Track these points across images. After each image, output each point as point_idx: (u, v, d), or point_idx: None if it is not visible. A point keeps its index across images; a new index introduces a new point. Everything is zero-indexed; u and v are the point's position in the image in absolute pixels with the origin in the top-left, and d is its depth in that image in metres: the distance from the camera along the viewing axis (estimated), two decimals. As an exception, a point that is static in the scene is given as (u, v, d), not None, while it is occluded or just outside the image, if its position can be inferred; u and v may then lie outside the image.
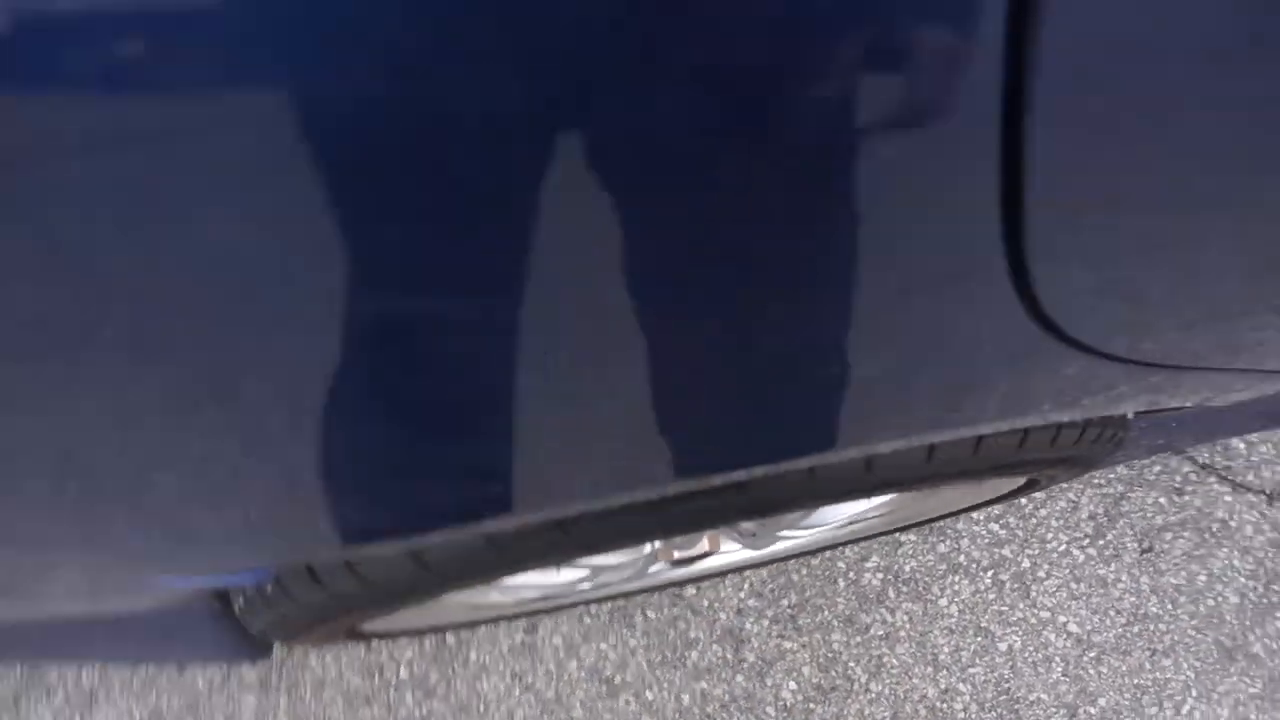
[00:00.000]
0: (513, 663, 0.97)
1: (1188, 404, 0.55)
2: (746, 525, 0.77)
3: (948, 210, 0.33)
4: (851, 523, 0.88)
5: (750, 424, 0.41)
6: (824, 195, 0.31)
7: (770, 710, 0.97)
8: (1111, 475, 1.08)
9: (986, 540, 1.04)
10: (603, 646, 0.99)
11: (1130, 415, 0.60)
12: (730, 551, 0.87)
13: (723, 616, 1.01)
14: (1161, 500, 1.07)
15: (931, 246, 0.34)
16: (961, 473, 0.56)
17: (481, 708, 0.96)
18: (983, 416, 0.45)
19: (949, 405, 0.43)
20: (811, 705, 0.98)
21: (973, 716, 0.98)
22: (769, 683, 0.98)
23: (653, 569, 0.85)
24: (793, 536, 0.87)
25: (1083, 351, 0.40)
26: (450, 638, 0.97)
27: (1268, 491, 1.09)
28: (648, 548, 0.71)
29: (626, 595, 0.96)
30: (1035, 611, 1.02)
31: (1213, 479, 1.09)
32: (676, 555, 0.77)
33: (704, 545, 0.79)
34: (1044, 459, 0.59)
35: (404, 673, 0.96)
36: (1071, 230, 0.35)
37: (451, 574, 0.53)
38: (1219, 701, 0.99)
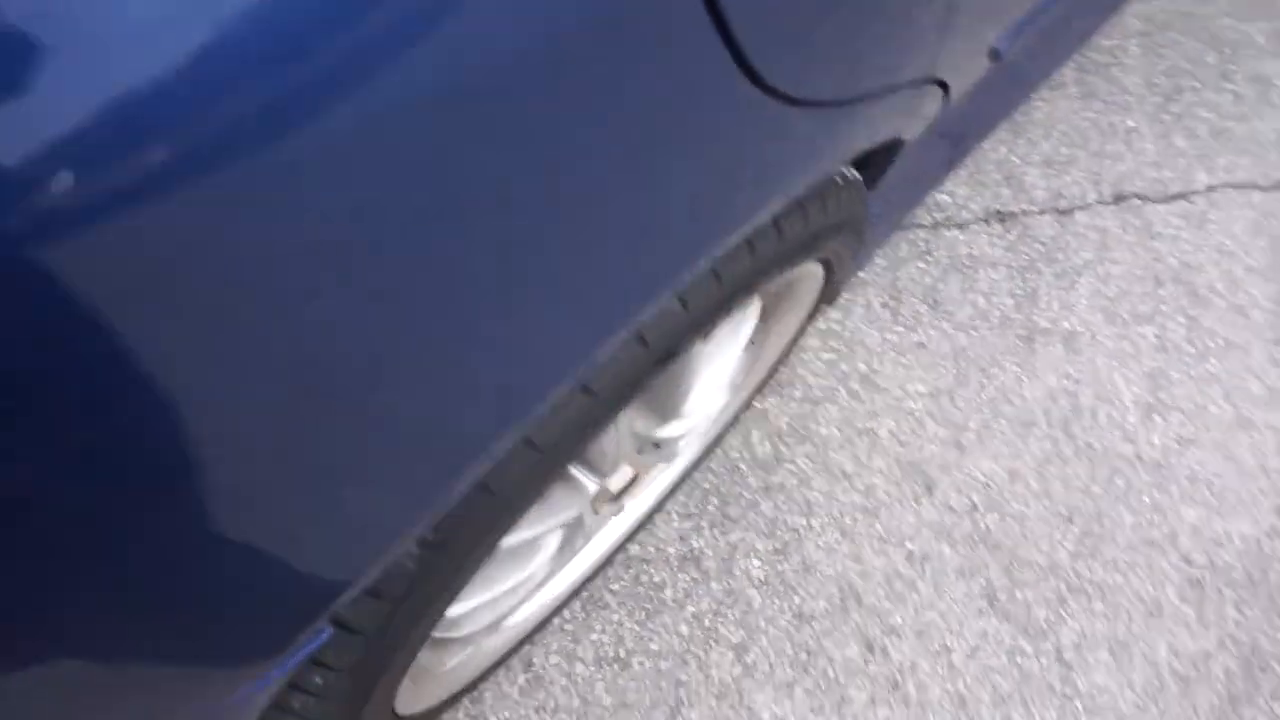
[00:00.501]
0: (528, 700, 1.01)
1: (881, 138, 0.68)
2: (650, 436, 0.85)
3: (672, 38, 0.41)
4: (720, 414, 0.99)
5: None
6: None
7: (751, 592, 1.07)
8: (878, 270, 1.27)
9: (824, 368, 1.20)
10: (594, 637, 1.05)
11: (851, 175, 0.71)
12: (656, 477, 0.95)
13: (671, 550, 1.09)
14: (921, 265, 1.28)
15: (664, 73, 0.42)
16: (750, 277, 0.63)
17: (527, 752, 0.98)
18: (747, 206, 0.54)
19: (720, 204, 0.52)
20: (780, 567, 1.09)
21: (895, 494, 1.13)
22: (737, 572, 1.08)
23: (600, 526, 0.92)
24: (688, 441, 0.97)
25: (802, 105, 0.50)
26: (461, 713, 0.99)
27: (984, 217, 1.33)
28: (593, 487, 0.77)
29: (588, 580, 1.02)
30: (889, 395, 1.19)
31: (942, 230, 1.31)
32: (614, 487, 0.83)
33: (629, 473, 0.86)
34: (815, 231, 0.68)
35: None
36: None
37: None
38: (1040, 373, 1.21)
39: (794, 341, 0.99)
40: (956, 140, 0.96)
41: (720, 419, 1.00)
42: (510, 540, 0.66)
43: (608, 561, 1.03)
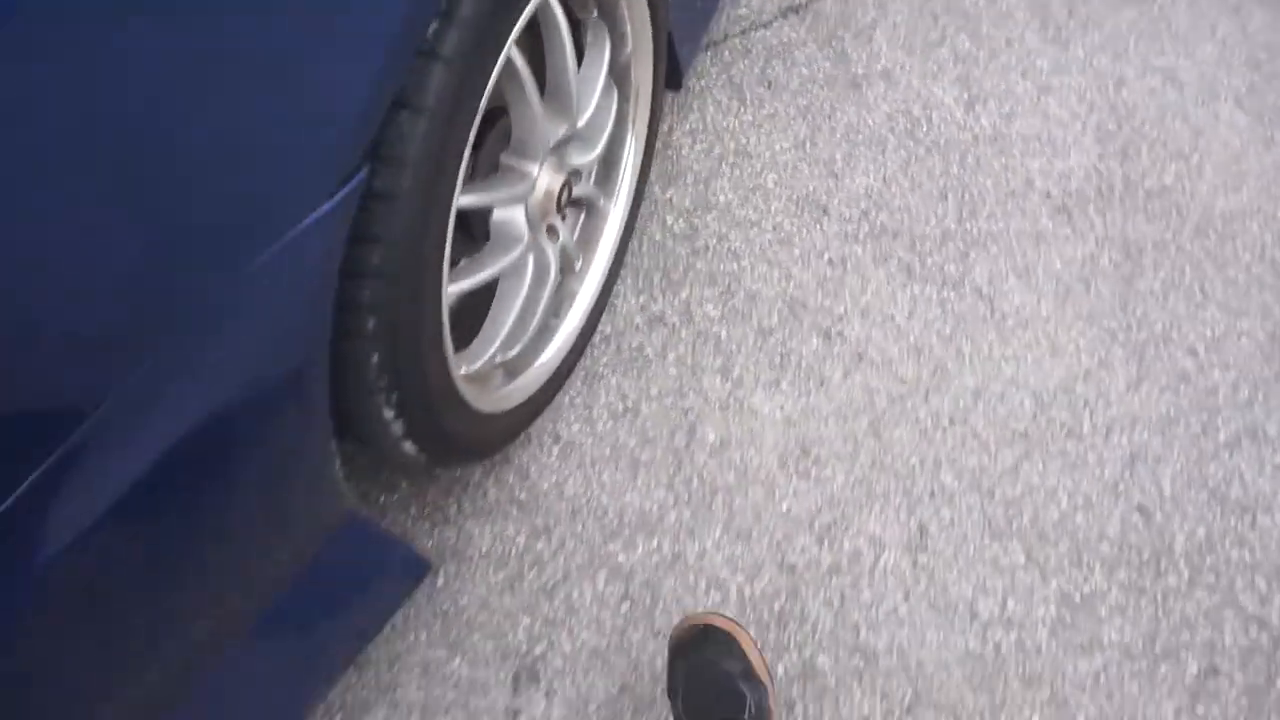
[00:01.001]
0: (567, 463, 1.13)
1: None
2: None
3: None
4: (623, 158, 1.15)
5: None
6: None
7: (716, 329, 1.24)
8: (713, 77, 1.50)
9: (702, 154, 1.41)
10: (602, 400, 1.18)
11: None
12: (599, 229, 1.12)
13: (637, 319, 1.25)
14: (746, 63, 1.51)
15: None
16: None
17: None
18: None
19: None
20: (731, 303, 1.26)
21: (799, 224, 1.33)
22: (698, 317, 1.25)
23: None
24: (601, 175, 1.12)
25: None
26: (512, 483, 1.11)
27: (780, 14, 1.59)
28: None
29: (579, 350, 1.16)
30: (762, 157, 1.40)
31: (751, 34, 1.56)
32: (551, 190, 0.96)
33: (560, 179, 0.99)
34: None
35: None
36: None
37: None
38: (874, 105, 1.45)
39: (658, 101, 1.17)
40: None
41: (626, 169, 1.15)
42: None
43: (590, 330, 1.18)
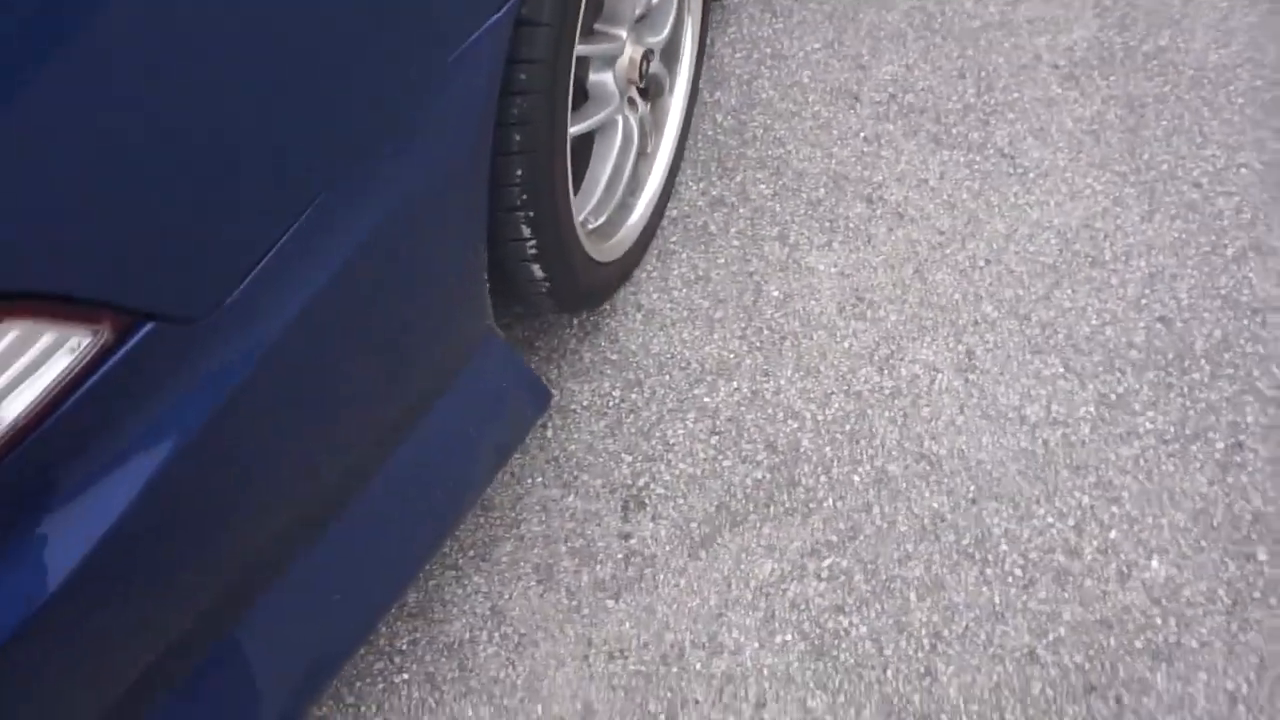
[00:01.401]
0: (649, 326, 1.29)
1: None
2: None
3: None
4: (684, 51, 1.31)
5: None
6: None
7: (770, 203, 1.40)
8: (736, 4, 1.65)
9: (742, 60, 1.56)
10: (675, 273, 1.34)
11: None
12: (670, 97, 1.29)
13: (700, 202, 1.41)
14: None
15: None
16: None
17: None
18: None
19: None
20: (780, 181, 1.42)
21: (835, 110, 1.48)
22: (753, 196, 1.41)
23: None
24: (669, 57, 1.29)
25: None
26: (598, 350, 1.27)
27: None
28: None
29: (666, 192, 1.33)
30: (796, 57, 1.56)
31: None
32: (635, 60, 1.14)
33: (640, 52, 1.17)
34: None
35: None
36: None
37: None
38: (891, 5, 1.61)
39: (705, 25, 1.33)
40: None
41: (685, 59, 1.31)
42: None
43: (661, 210, 1.34)
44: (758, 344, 1.29)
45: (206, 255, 0.59)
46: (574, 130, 0.98)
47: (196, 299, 0.58)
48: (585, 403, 1.27)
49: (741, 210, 1.40)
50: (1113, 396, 1.23)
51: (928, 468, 1.19)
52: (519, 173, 0.87)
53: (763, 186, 1.43)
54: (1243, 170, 1.40)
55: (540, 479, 1.21)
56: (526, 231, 0.93)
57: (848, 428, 1.23)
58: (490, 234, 0.89)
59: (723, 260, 1.36)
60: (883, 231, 1.38)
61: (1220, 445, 1.19)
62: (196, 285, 0.58)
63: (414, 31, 0.69)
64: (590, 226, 1.16)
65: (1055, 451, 1.20)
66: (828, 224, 1.39)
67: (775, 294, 1.33)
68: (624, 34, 1.06)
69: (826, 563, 1.14)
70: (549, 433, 1.25)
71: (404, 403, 0.89)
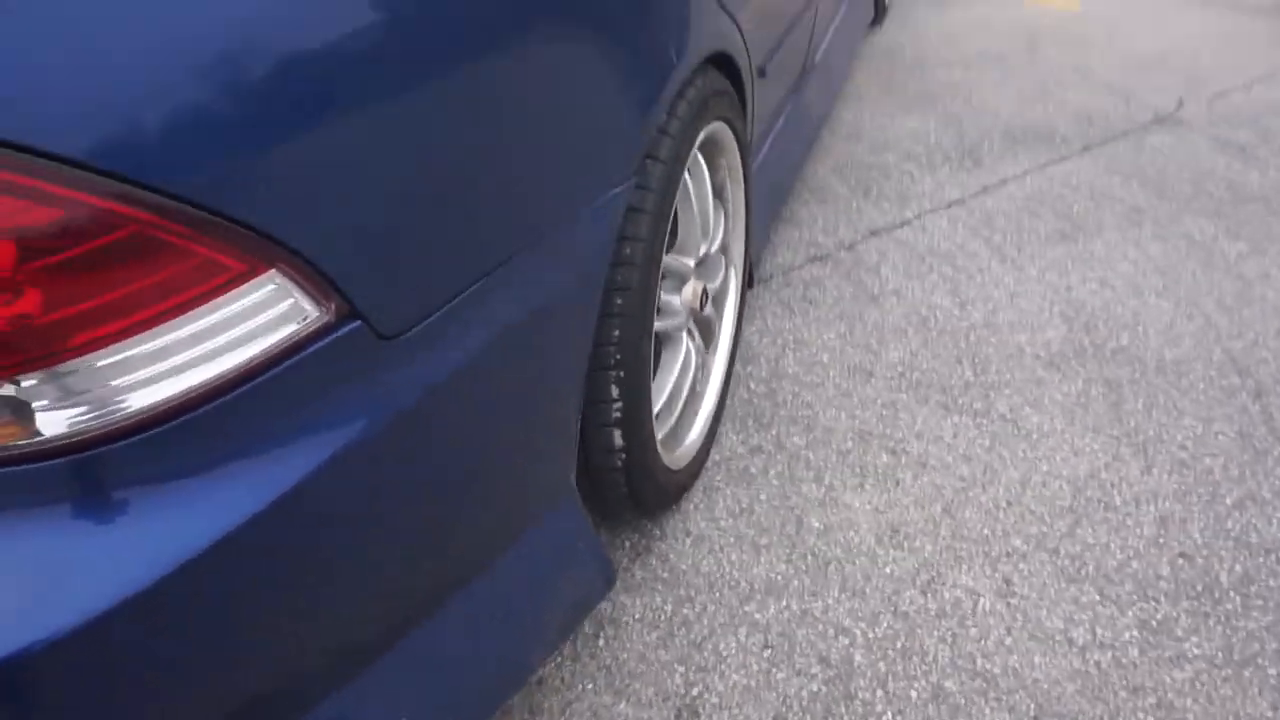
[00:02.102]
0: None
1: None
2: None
3: None
4: (728, 255, 1.56)
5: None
6: None
7: (808, 454, 1.53)
8: (766, 302, 1.95)
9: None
10: (727, 500, 1.43)
11: None
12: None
13: (740, 449, 1.54)
14: (788, 291, 1.97)
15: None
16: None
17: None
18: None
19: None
20: (814, 437, 1.57)
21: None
22: (786, 445, 1.55)
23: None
24: (718, 271, 1.51)
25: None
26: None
27: (808, 260, 2.08)
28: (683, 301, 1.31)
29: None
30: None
31: (790, 273, 2.04)
32: (693, 300, 1.34)
33: (699, 287, 1.37)
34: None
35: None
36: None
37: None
38: (890, 310, 1.89)
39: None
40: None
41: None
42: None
43: (709, 442, 1.47)
44: (803, 567, 1.34)
45: (422, 276, 0.72)
46: (656, 326, 1.16)
47: (398, 314, 0.70)
48: (637, 615, 1.28)
49: (778, 456, 1.53)
50: (1153, 623, 1.27)
51: (984, 685, 1.19)
52: (616, 333, 1.02)
53: (796, 439, 1.57)
54: (1220, 437, 1.57)
55: (591, 685, 1.19)
56: (615, 393, 1.05)
57: (899, 644, 1.24)
58: (585, 388, 1.02)
59: (764, 496, 1.46)
60: (909, 478, 1.50)
61: (1273, 671, 1.21)
62: (404, 302, 0.70)
63: (576, 175, 0.90)
64: (658, 435, 1.28)
65: (1109, 673, 1.20)
66: (858, 470, 1.51)
67: (816, 525, 1.41)
68: (691, 264, 1.29)
69: (896, 778, 1.09)
70: (600, 642, 1.25)
71: (494, 517, 0.93)
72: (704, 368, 1.45)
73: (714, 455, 1.54)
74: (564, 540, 1.06)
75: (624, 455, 1.12)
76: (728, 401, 1.63)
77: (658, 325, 1.21)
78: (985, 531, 1.40)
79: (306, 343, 0.64)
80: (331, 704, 0.78)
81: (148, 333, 0.57)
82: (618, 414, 1.08)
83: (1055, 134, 2.65)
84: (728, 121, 1.28)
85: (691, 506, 1.45)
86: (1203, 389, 1.68)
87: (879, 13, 3.40)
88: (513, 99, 0.78)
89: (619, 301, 1.02)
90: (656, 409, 1.24)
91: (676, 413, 1.33)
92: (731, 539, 1.39)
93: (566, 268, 0.91)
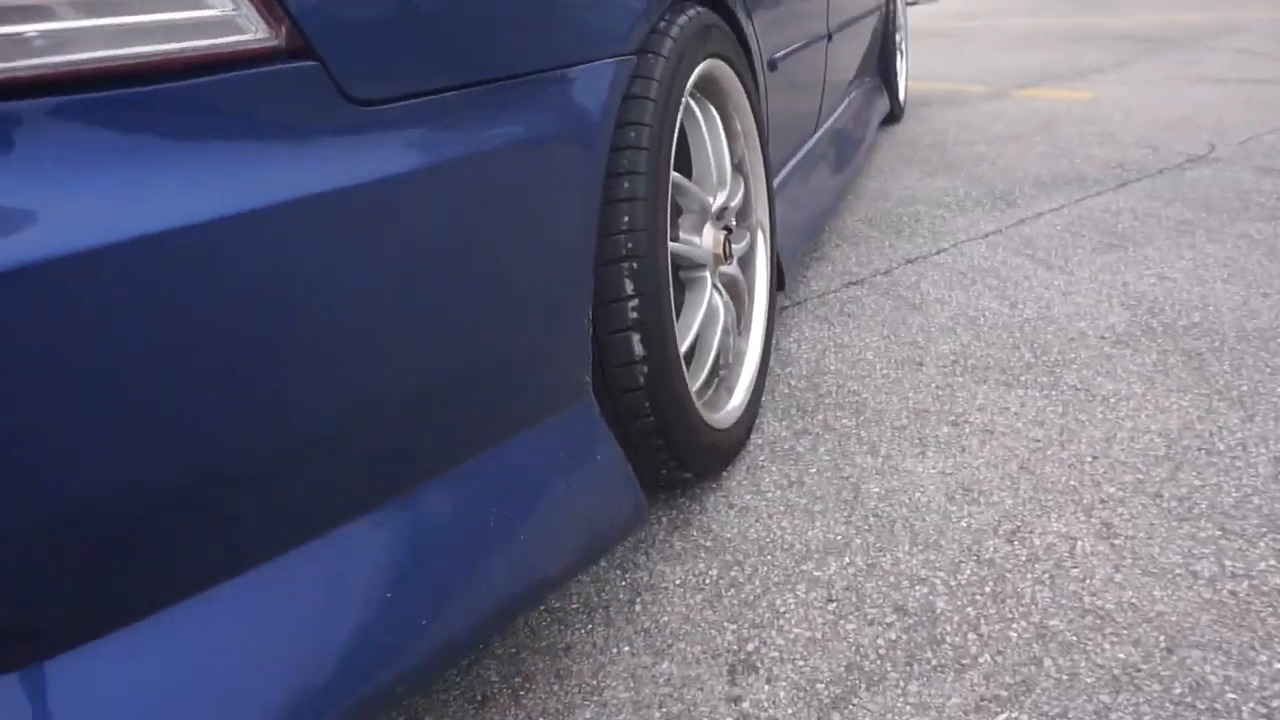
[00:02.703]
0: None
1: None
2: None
3: None
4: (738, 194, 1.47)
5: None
6: None
7: (860, 432, 1.39)
8: (803, 320, 1.85)
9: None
10: (773, 476, 1.29)
11: None
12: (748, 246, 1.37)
13: (784, 433, 1.41)
14: (824, 310, 1.88)
15: None
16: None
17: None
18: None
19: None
20: (864, 418, 1.43)
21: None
22: (835, 426, 1.41)
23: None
24: (741, 215, 1.42)
25: None
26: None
27: (844, 284, 2.00)
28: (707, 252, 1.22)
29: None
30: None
31: (825, 296, 1.95)
32: (716, 248, 1.25)
33: (721, 237, 1.29)
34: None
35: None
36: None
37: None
38: (935, 315, 1.78)
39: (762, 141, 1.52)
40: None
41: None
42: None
43: (757, 394, 1.34)
44: (865, 528, 1.17)
45: (410, 50, 0.68)
46: (673, 247, 1.08)
47: (373, 78, 0.65)
48: (678, 581, 1.12)
49: (826, 437, 1.39)
50: (1292, 551, 1.06)
51: (1098, 620, 0.99)
52: (625, 219, 0.95)
53: (845, 420, 1.43)
54: (1326, 382, 1.39)
55: (628, 648, 1.02)
56: (630, 287, 0.96)
57: (987, 589, 1.05)
58: (595, 292, 0.94)
59: (815, 470, 1.31)
60: (975, 444, 1.34)
61: None
62: (384, 67, 0.66)
63: (576, 22, 0.88)
64: (692, 386, 1.17)
65: (1249, 601, 1.00)
66: (917, 441, 1.36)
67: (875, 490, 1.25)
68: (709, 200, 1.23)
69: (1000, 719, 0.88)
70: (637, 607, 1.08)
71: (485, 379, 0.81)
72: (742, 325, 1.36)
73: (755, 439, 1.40)
74: (581, 445, 0.94)
75: (646, 370, 1.01)
76: (764, 393, 1.51)
77: (677, 250, 1.14)
78: (1072, 483, 1.22)
79: (241, 62, 0.59)
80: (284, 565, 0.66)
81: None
82: (634, 314, 0.99)
83: (1087, 179, 2.61)
84: (730, 63, 1.27)
85: (734, 483, 1.30)
86: (1295, 350, 1.52)
87: (895, 111, 3.51)
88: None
89: (625, 185, 0.96)
90: (684, 346, 1.14)
91: (708, 365, 1.23)
92: (781, 508, 1.23)
93: (568, 116, 0.86)
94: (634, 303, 0.98)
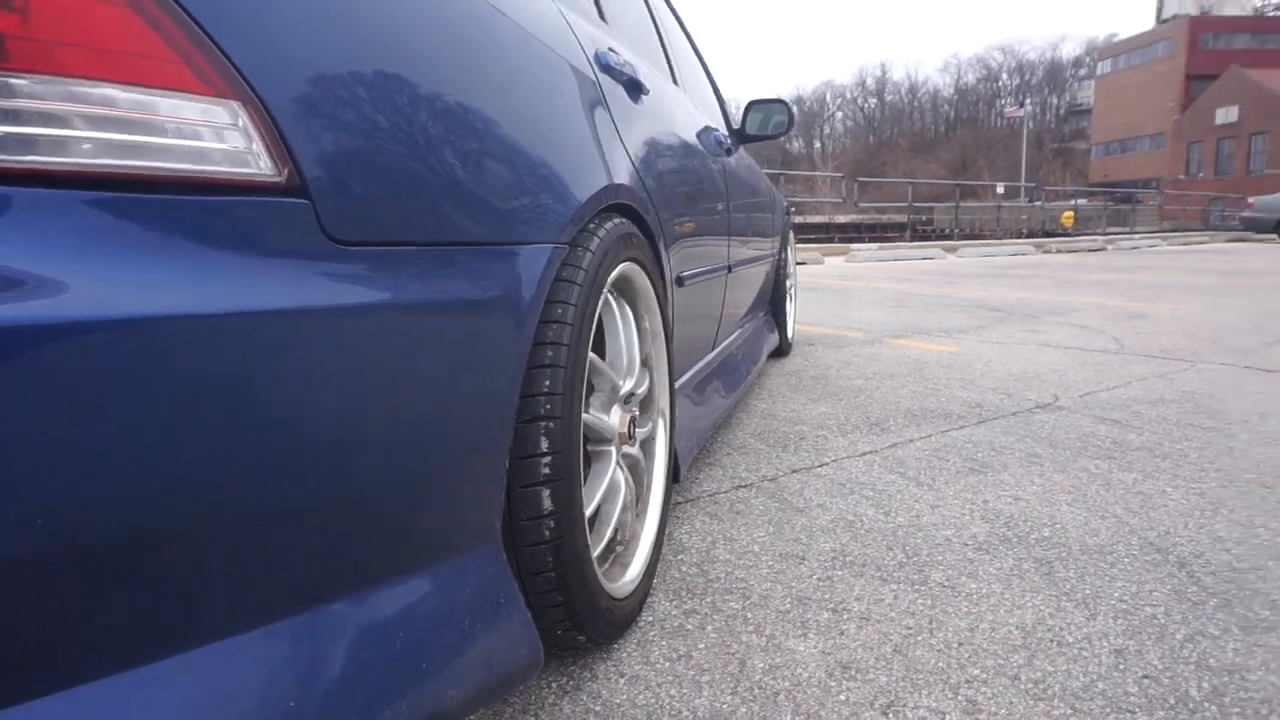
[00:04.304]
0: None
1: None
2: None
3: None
4: (648, 387, 1.56)
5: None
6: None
7: (746, 614, 1.45)
8: (694, 516, 1.94)
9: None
10: (663, 651, 1.32)
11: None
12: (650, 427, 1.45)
13: (674, 611, 1.46)
14: (714, 508, 1.98)
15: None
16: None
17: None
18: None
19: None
20: (750, 603, 1.49)
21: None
22: (722, 609, 1.47)
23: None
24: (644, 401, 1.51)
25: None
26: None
27: (733, 487, 2.11)
28: (611, 429, 1.33)
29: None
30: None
31: (717, 496, 2.06)
32: (620, 427, 1.35)
33: (626, 418, 1.39)
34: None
35: None
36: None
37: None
38: (816, 518, 1.90)
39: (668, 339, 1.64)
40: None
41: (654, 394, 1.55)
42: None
43: (652, 567, 1.39)
44: (750, 698, 1.22)
45: (390, 204, 0.81)
46: (585, 416, 1.19)
47: (352, 222, 0.77)
48: (567, 744, 1.12)
49: (714, 617, 1.45)
50: (1133, 730, 1.16)
51: (965, 789, 1.04)
52: (546, 384, 1.06)
53: (733, 603, 1.50)
54: (1154, 593, 1.56)
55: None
56: (544, 445, 1.06)
57: (865, 758, 1.09)
58: (513, 447, 1.03)
59: (703, 645, 1.36)
60: (853, 628, 1.42)
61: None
62: (362, 214, 0.78)
63: (529, 199, 1.03)
64: (593, 550, 1.24)
65: (1098, 773, 1.07)
66: (800, 624, 1.43)
67: (760, 665, 1.30)
68: (618, 381, 1.35)
69: None
70: (526, 768, 1.07)
71: (403, 505, 0.86)
72: (639, 506, 1.44)
73: (646, 616, 1.45)
74: (489, 585, 0.98)
75: (552, 525, 1.08)
76: (655, 576, 1.58)
77: (588, 421, 1.25)
78: (940, 665, 1.31)
79: (248, 190, 0.70)
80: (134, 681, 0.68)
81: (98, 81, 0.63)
82: (547, 470, 1.07)
83: (951, 414, 2.90)
84: (644, 269, 1.46)
85: (625, 654, 1.33)
86: (1128, 563, 1.70)
87: (783, 346, 3.85)
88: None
89: (549, 354, 1.09)
90: (588, 512, 1.22)
91: (606, 536, 1.30)
92: (669, 678, 1.27)
93: (509, 285, 0.99)
94: (547, 459, 1.07)
